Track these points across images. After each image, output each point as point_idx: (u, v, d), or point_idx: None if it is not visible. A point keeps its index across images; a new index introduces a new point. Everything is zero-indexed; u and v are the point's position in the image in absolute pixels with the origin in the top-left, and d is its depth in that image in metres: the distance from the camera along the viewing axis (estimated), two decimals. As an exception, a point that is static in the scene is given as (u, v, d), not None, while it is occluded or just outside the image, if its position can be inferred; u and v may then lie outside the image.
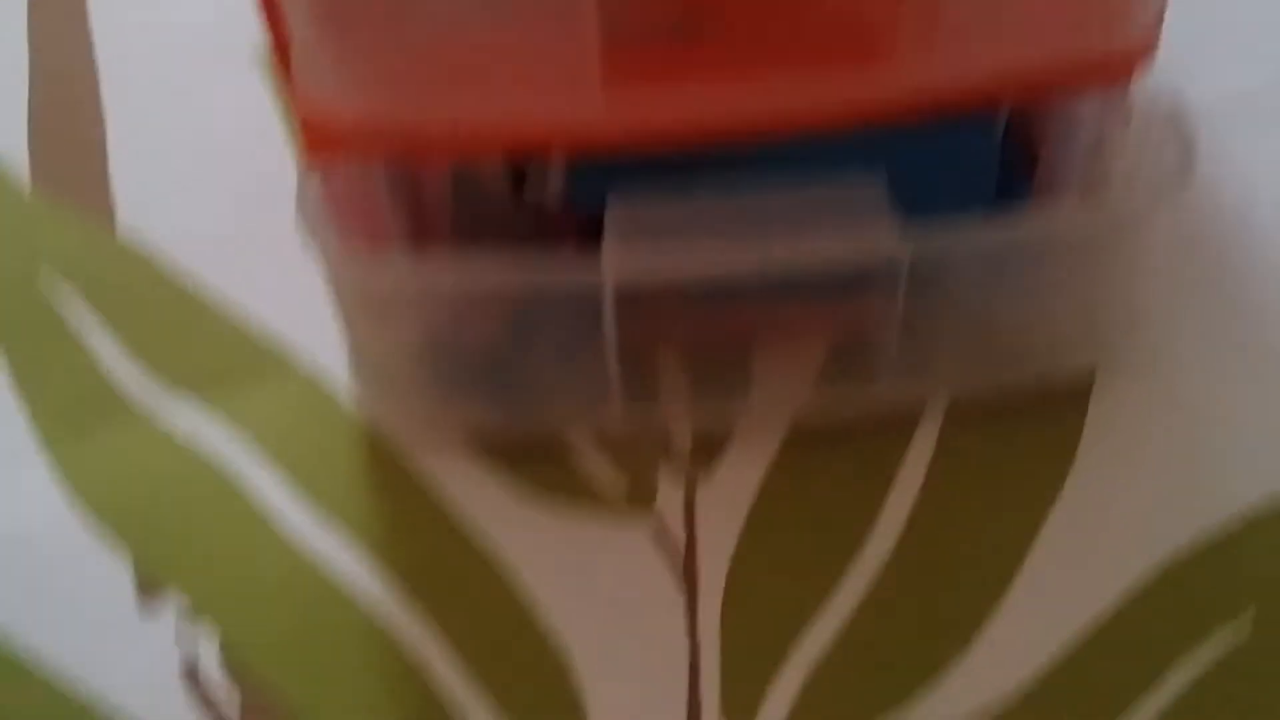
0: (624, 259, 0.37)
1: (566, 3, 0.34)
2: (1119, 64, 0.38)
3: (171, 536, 0.40)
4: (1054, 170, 0.42)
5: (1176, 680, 0.37)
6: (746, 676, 0.38)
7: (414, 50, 0.35)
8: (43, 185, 0.49)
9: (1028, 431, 0.41)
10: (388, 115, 0.36)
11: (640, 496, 0.41)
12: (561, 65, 0.35)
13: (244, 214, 0.47)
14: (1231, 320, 0.44)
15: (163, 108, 0.51)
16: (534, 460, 0.41)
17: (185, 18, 0.53)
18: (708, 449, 0.42)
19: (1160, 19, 0.38)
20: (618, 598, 0.39)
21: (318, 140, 0.38)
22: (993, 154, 0.39)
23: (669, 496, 0.41)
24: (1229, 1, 0.52)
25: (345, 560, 0.40)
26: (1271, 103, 0.49)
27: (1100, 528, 0.40)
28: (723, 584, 0.39)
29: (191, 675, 0.38)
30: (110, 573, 0.40)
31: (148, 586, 0.39)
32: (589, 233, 0.39)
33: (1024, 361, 0.41)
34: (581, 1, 0.34)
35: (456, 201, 0.44)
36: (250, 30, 0.38)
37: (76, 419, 0.43)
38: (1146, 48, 0.38)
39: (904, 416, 0.42)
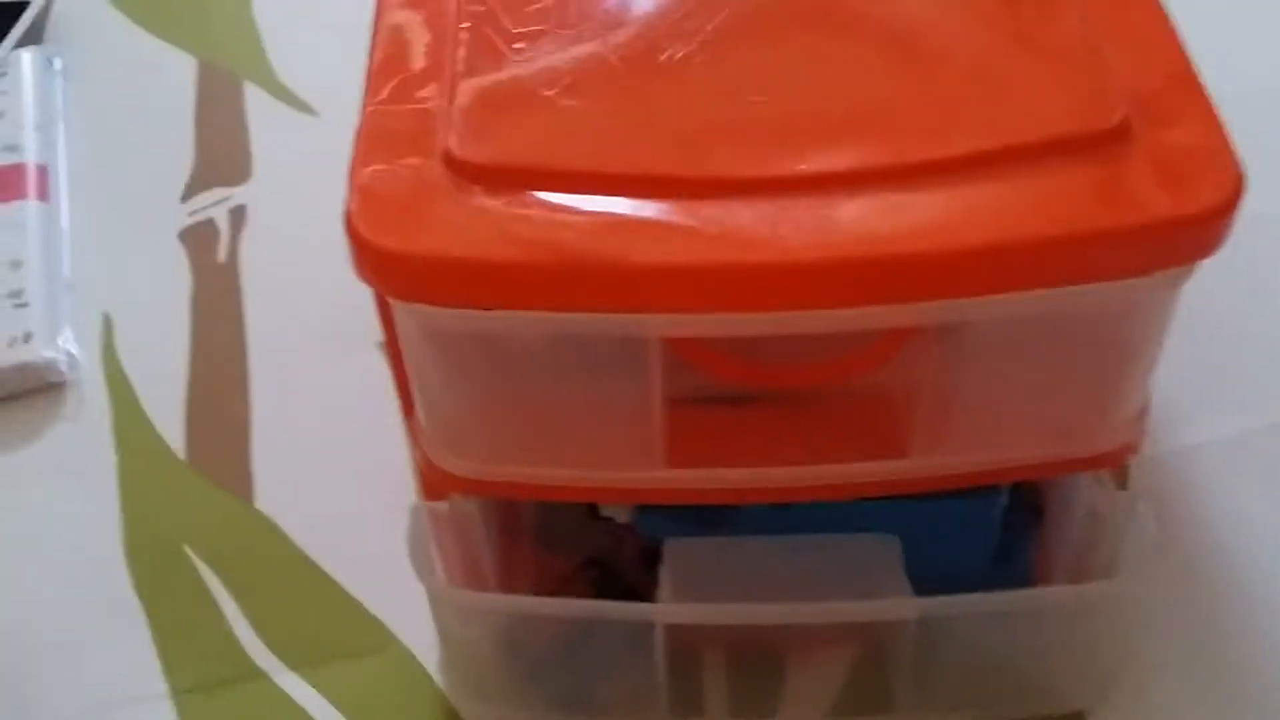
0: (679, 611, 0.44)
1: (636, 390, 0.42)
2: (1104, 458, 0.45)
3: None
4: (1054, 535, 0.49)
5: None
6: None
7: (511, 427, 0.44)
8: (194, 459, 0.58)
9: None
10: (487, 474, 0.44)
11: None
12: (630, 448, 0.43)
13: (366, 499, 0.54)
14: (1212, 668, 0.49)
15: (303, 394, 0.59)
16: (590, 753, 0.48)
17: (328, 312, 0.61)
18: (740, 753, 0.48)
19: (1142, 417, 0.45)
20: None
21: (433, 485, 0.47)
22: (993, 522, 0.46)
23: (703, 798, 0.47)
24: (1225, 350, 0.59)
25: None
26: (1267, 450, 0.56)
27: None
28: None
29: None
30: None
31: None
32: (652, 554, 0.47)
33: (1021, 701, 0.47)
34: (645, 395, 0.42)
35: (544, 515, 0.52)
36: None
37: (203, 677, 0.50)
38: (1130, 443, 0.45)
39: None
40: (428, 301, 0.39)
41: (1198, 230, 0.38)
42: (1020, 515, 0.49)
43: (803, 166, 0.39)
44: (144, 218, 0.68)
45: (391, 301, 0.40)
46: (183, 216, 0.68)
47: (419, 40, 0.43)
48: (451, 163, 0.39)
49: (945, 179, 0.39)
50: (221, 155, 0.71)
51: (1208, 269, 0.61)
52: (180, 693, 0.50)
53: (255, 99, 0.74)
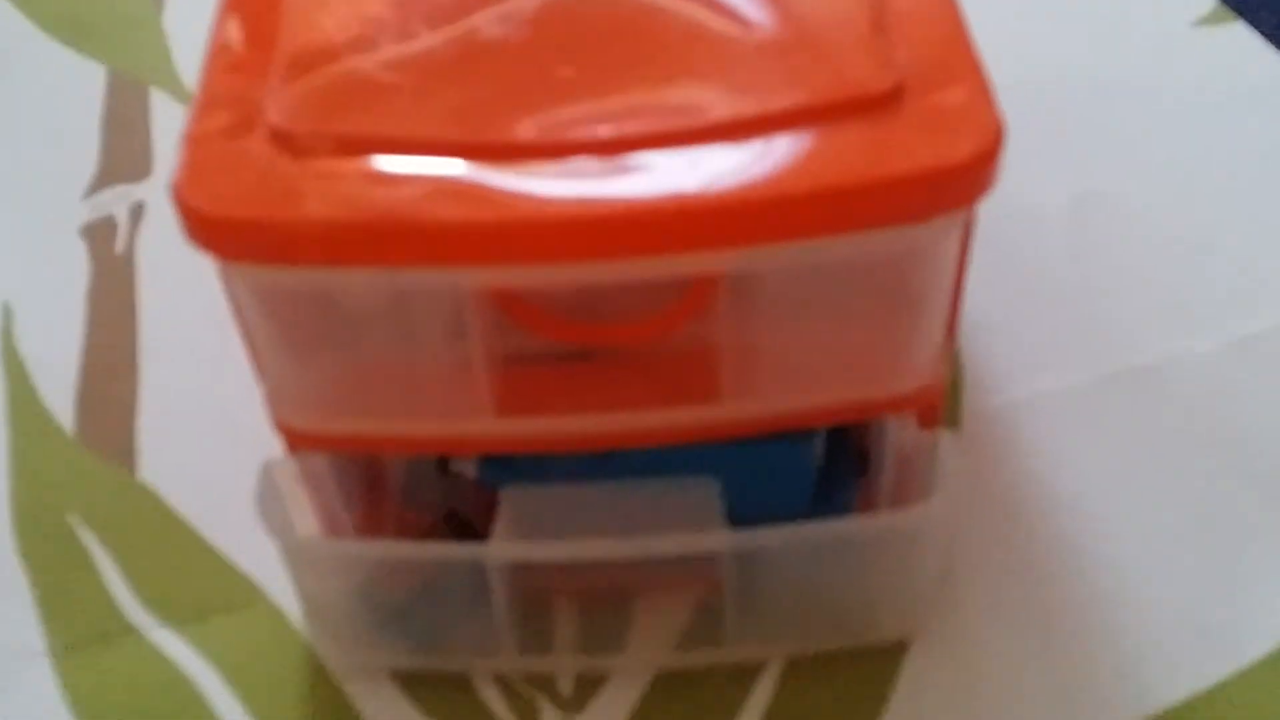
0: (507, 549, 0.47)
1: (458, 347, 0.45)
2: (906, 400, 0.48)
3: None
4: (876, 465, 0.52)
5: None
6: None
7: (347, 384, 0.47)
8: (82, 436, 0.61)
9: (848, 685, 0.50)
10: (331, 428, 0.48)
11: (524, 728, 0.50)
12: (460, 400, 0.46)
13: (243, 466, 0.57)
14: (1029, 604, 0.53)
15: (188, 374, 0.63)
16: (442, 690, 0.51)
17: (216, 298, 0.65)
18: (586, 689, 0.51)
19: (940, 361, 0.48)
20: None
21: (293, 441, 0.50)
22: (807, 463, 0.49)
23: (548, 728, 0.50)
24: (1056, 304, 0.63)
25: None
26: (1086, 403, 0.59)
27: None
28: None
29: None
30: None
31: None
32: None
33: (843, 631, 0.51)
34: (469, 350, 0.45)
35: (405, 472, 0.55)
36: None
37: (81, 635, 0.53)
38: (929, 385, 0.48)
39: (750, 667, 0.51)
40: (252, 261, 0.42)
41: (960, 177, 0.42)
42: (844, 462, 0.52)
43: (603, 130, 0.42)
44: (47, 215, 0.71)
45: (223, 267, 0.44)
46: (85, 213, 0.71)
47: (253, 24, 0.47)
48: (274, 133, 0.42)
49: (734, 139, 0.42)
50: (124, 155, 0.74)
51: (1043, 235, 0.66)
52: (59, 649, 0.53)
53: (161, 103, 0.77)
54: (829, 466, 0.51)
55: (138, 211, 0.71)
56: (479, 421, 0.47)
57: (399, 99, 0.44)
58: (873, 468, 0.52)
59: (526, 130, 0.43)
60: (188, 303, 0.66)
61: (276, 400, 0.48)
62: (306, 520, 0.50)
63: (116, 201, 0.72)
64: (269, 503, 0.48)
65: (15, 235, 0.71)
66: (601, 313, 0.48)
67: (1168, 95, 0.73)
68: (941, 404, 0.50)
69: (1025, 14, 0.77)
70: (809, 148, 0.42)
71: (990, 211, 0.65)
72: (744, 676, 0.51)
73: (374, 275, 0.42)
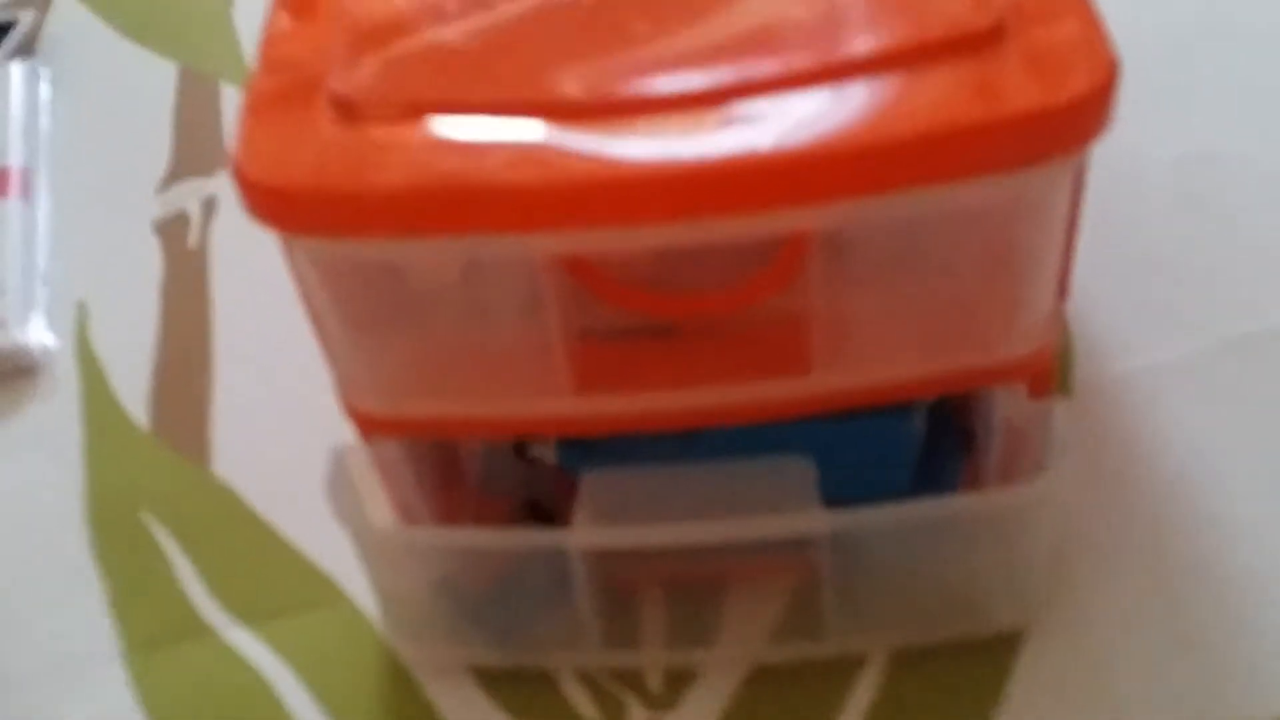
0: (589, 534, 0.45)
1: (533, 327, 0.42)
2: (1013, 369, 0.44)
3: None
4: (983, 443, 0.48)
5: None
6: None
7: (418, 364, 0.44)
8: (156, 431, 0.59)
9: (959, 679, 0.47)
10: (404, 411, 0.45)
11: (611, 727, 0.47)
12: (537, 379, 0.44)
13: (319, 461, 0.55)
14: (1152, 590, 0.48)
15: (264, 368, 0.61)
16: (524, 688, 0.48)
17: (290, 291, 0.63)
18: (676, 685, 0.48)
19: (1051, 325, 0.45)
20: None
21: (365, 427, 0.48)
22: (907, 440, 0.46)
23: (636, 727, 0.47)
24: (1170, 269, 0.58)
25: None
26: (1204, 373, 0.55)
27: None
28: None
29: None
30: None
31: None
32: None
33: (953, 621, 0.47)
34: (546, 325, 0.42)
35: (483, 461, 0.52)
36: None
37: (155, 634, 0.52)
38: (1039, 352, 0.44)
39: (852, 660, 0.48)
40: (316, 235, 0.40)
41: (1071, 118, 0.38)
42: (949, 439, 0.49)
43: (683, 84, 0.40)
44: (121, 211, 0.71)
45: (288, 244, 0.42)
46: (157, 208, 0.70)
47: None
48: (337, 102, 0.40)
49: (822, 86, 0.39)
50: (196, 150, 0.73)
51: (1152, 195, 0.62)
52: (132, 650, 0.52)
53: (231, 98, 0.76)
54: (932, 444, 0.48)
55: (210, 206, 0.70)
56: (557, 400, 0.44)
57: (465, 64, 0.41)
58: (979, 444, 0.49)
59: (601, 89, 0.40)
60: (261, 296, 0.64)
61: (346, 384, 0.46)
62: (381, 510, 0.48)
63: (189, 196, 0.71)
64: (340, 490, 0.45)
65: (89, 232, 0.70)
66: (685, 284, 0.45)
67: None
68: (1053, 372, 0.47)
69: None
70: (904, 92, 0.38)
71: (1098, 170, 0.62)
72: (845, 671, 0.47)
73: (444, 245, 0.40)
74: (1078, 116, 0.38)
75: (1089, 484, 0.52)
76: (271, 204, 0.39)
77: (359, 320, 0.44)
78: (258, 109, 0.41)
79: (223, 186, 0.71)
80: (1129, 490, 0.51)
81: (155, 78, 0.79)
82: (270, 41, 0.44)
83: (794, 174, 0.38)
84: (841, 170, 0.38)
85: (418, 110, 0.40)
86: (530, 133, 0.39)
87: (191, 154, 0.73)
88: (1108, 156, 0.65)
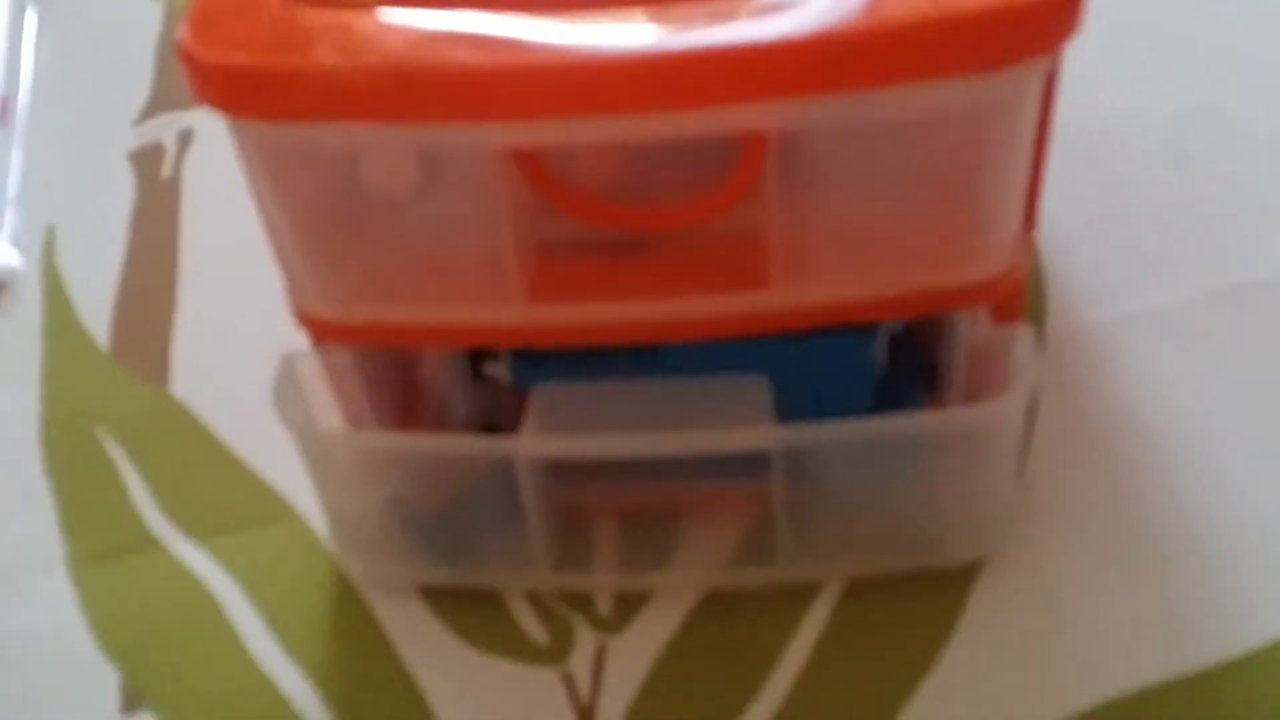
0: (537, 443, 0.44)
1: (488, 234, 0.42)
2: (976, 291, 0.43)
3: (158, 662, 0.48)
4: (946, 376, 0.47)
5: None
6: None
7: (369, 267, 0.44)
8: (116, 352, 0.59)
9: (912, 610, 0.46)
10: (356, 317, 0.44)
11: (557, 648, 0.46)
12: (490, 285, 0.43)
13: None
14: (1115, 532, 0.47)
15: (227, 293, 0.60)
16: (472, 609, 0.48)
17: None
18: (625, 610, 0.47)
19: (1016, 247, 0.44)
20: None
21: (316, 332, 0.47)
22: (867, 363, 0.45)
23: (583, 650, 0.46)
24: (1156, 220, 0.57)
25: (299, 684, 0.46)
26: (1178, 321, 0.54)
27: (963, 705, 0.43)
28: (619, 731, 0.44)
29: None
30: (100, 685, 0.47)
31: (130, 703, 0.47)
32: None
33: (909, 552, 0.46)
34: (500, 233, 0.41)
35: (439, 383, 0.52)
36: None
37: (102, 548, 0.51)
38: (1002, 278, 0.43)
39: (805, 589, 0.47)
40: (261, 117, 0.39)
41: (1037, 17, 0.37)
42: (912, 370, 0.48)
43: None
44: (98, 141, 0.70)
45: (237, 132, 0.41)
46: (134, 139, 0.70)
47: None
48: (288, -15, 0.40)
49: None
50: (176, 84, 0.73)
51: (1142, 148, 0.61)
52: (78, 561, 0.51)
53: (216, 36, 0.76)
54: (894, 375, 0.47)
55: (185, 137, 0.69)
56: (510, 309, 0.43)
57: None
58: (943, 376, 0.48)
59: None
60: (229, 225, 0.62)
61: (298, 288, 0.45)
62: (331, 420, 0.47)
63: (165, 128, 0.70)
64: (288, 396, 0.45)
65: (64, 161, 0.69)
66: (643, 196, 0.44)
67: (1273, 10, 0.67)
68: (1020, 299, 0.46)
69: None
70: (862, -7, 0.38)
71: (1083, 126, 0.61)
72: (798, 599, 0.47)
73: (391, 132, 0.39)
74: (1042, 18, 0.37)
75: (1056, 426, 0.51)
76: (218, 84, 0.39)
77: (311, 219, 0.43)
78: (208, -12, 0.40)
79: (199, 119, 0.70)
80: (1099, 434, 0.50)
81: (140, 15, 0.78)
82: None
83: (751, 67, 0.37)
84: (800, 65, 0.37)
85: (369, -3, 0.39)
86: (482, 22, 0.38)
87: (171, 88, 0.73)
88: (1102, 111, 0.64)
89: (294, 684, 0.47)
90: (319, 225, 0.43)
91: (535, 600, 0.48)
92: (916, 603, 0.46)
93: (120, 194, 0.67)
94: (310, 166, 0.42)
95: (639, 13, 0.38)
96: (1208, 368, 0.52)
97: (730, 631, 0.46)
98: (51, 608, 0.49)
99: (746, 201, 0.41)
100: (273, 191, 0.42)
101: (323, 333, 0.46)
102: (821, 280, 0.43)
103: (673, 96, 0.38)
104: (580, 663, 0.46)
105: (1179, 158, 0.60)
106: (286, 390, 0.45)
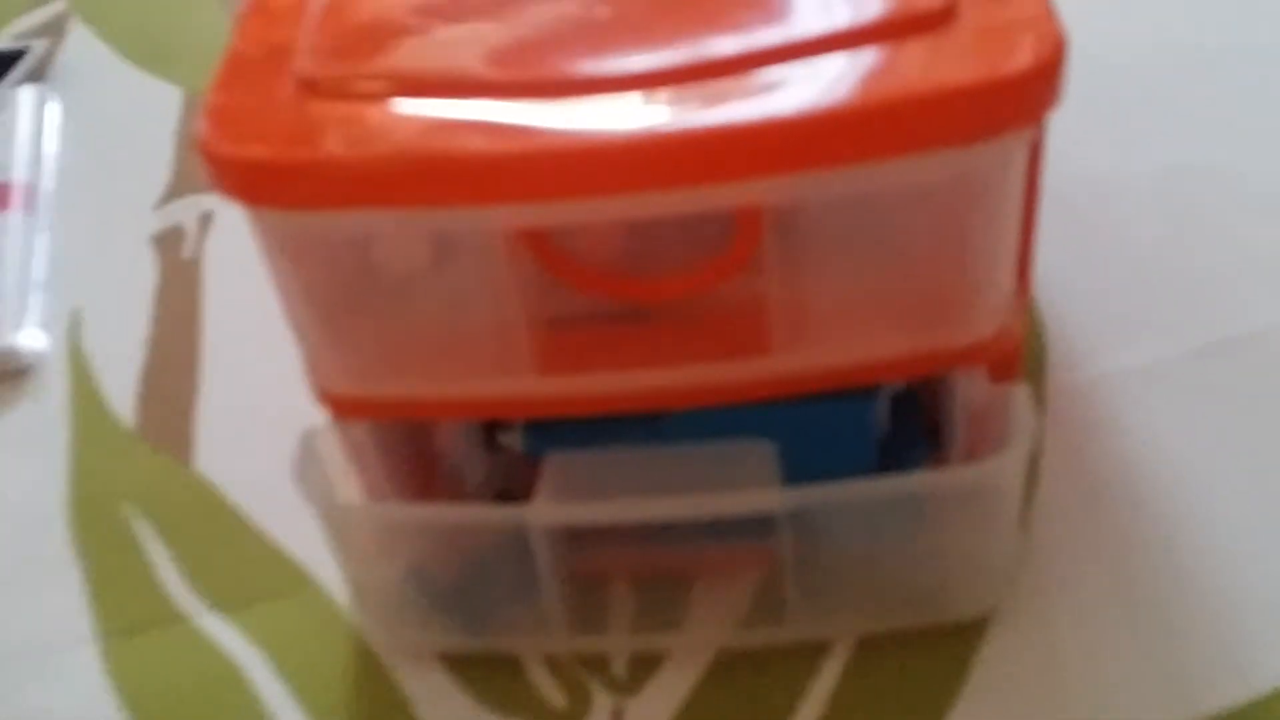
0: (549, 510, 0.45)
1: (498, 310, 0.43)
2: (972, 352, 0.45)
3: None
4: (947, 435, 0.48)
5: None
6: None
7: (384, 344, 0.45)
8: (140, 429, 0.60)
9: (921, 667, 0.47)
10: (372, 392, 0.46)
11: (575, 711, 0.47)
12: (500, 358, 0.44)
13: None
14: (1118, 586, 0.48)
15: (248, 371, 0.62)
16: (491, 674, 0.49)
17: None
18: (640, 672, 0.48)
19: (1008, 308, 0.45)
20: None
21: (334, 408, 0.48)
22: (869, 425, 0.46)
23: (600, 712, 0.47)
24: (1148, 276, 0.59)
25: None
26: (1178, 376, 0.55)
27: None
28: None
29: None
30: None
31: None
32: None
33: (916, 609, 0.47)
34: (509, 308, 0.43)
35: (455, 451, 0.53)
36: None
37: (130, 622, 0.52)
38: (997, 339, 0.45)
39: (816, 647, 0.48)
40: (278, 206, 0.41)
41: (1020, 91, 0.39)
42: (914, 432, 0.49)
43: (639, 64, 0.41)
44: (120, 226, 0.72)
45: (255, 220, 0.43)
46: (155, 223, 0.72)
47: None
48: (301, 79, 0.41)
49: (780, 63, 0.40)
50: (195, 168, 0.75)
51: (1134, 206, 0.62)
52: (107, 636, 0.52)
53: (233, 119, 0.78)
54: (897, 439, 0.48)
55: (206, 220, 0.71)
56: (521, 381, 0.45)
57: (426, 42, 0.42)
58: (944, 435, 0.49)
59: (559, 67, 0.41)
60: (249, 304, 0.65)
61: (316, 366, 0.46)
62: (351, 494, 0.48)
63: (186, 211, 0.72)
64: (308, 471, 0.46)
65: (88, 245, 0.71)
66: (646, 269, 0.46)
67: (1262, 66, 0.68)
68: (1017, 359, 0.47)
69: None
70: (856, 68, 0.39)
71: (1075, 184, 0.63)
72: (809, 657, 0.47)
73: (403, 217, 0.41)
74: (1026, 91, 0.39)
75: (1059, 483, 0.52)
76: (235, 176, 0.40)
77: (326, 300, 0.45)
78: (224, 86, 0.42)
79: (219, 203, 0.72)
80: (1099, 489, 0.51)
81: (161, 102, 0.81)
82: (243, 22, 0.45)
83: (745, 146, 0.39)
84: (792, 143, 0.39)
85: (375, 85, 0.41)
86: (486, 109, 0.40)
87: (191, 172, 0.75)
88: (1091, 167, 0.66)
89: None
90: (334, 305, 0.45)
91: (552, 664, 0.49)
92: (925, 659, 0.47)
93: (143, 276, 0.69)
94: (325, 250, 0.44)
95: (636, 96, 0.40)
96: (1203, 419, 0.53)
97: (744, 690, 0.47)
98: (81, 682, 0.51)
99: (746, 272, 0.43)
100: (290, 274, 0.43)
101: (340, 408, 0.47)
102: (821, 346, 0.44)
103: (671, 176, 0.39)
104: (598, 726, 0.47)
105: (1168, 212, 0.61)
106: (307, 465, 0.46)
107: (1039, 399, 0.55)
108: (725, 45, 0.40)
